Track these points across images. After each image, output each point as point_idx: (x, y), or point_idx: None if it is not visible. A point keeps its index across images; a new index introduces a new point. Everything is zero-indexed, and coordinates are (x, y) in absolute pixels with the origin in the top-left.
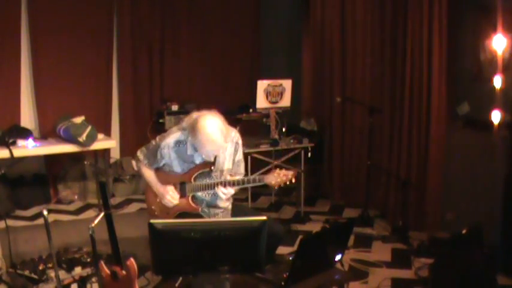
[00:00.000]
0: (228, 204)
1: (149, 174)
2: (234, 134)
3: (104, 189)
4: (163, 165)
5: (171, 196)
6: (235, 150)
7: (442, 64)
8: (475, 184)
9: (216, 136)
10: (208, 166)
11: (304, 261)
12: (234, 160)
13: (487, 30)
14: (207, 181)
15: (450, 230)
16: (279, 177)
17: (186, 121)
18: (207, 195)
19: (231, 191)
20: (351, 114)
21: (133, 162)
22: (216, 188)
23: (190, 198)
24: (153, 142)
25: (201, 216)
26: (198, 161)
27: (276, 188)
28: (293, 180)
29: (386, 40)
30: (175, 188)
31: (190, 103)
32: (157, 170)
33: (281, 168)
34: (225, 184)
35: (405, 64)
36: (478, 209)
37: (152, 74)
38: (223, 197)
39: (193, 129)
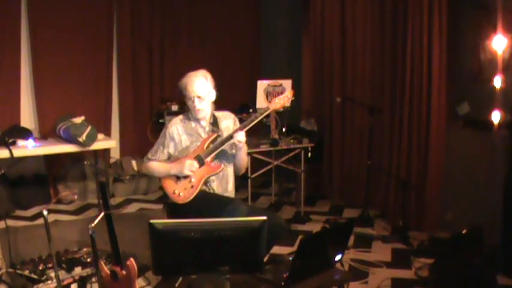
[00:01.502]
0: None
1: (156, 164)
2: (234, 116)
3: (104, 189)
4: (174, 152)
5: (189, 163)
6: (235, 125)
7: (442, 64)
8: (475, 184)
9: (200, 75)
10: (214, 133)
11: (304, 261)
12: None
13: (487, 30)
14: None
15: (450, 230)
16: (280, 101)
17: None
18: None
19: (243, 133)
20: (351, 114)
21: (139, 164)
22: (231, 138)
23: (209, 162)
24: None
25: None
26: (202, 133)
27: (282, 110)
28: (292, 97)
29: (387, 40)
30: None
31: None
32: (167, 162)
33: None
34: (236, 131)
35: (405, 64)
36: (478, 209)
37: (152, 74)
38: (242, 139)
39: (183, 81)
